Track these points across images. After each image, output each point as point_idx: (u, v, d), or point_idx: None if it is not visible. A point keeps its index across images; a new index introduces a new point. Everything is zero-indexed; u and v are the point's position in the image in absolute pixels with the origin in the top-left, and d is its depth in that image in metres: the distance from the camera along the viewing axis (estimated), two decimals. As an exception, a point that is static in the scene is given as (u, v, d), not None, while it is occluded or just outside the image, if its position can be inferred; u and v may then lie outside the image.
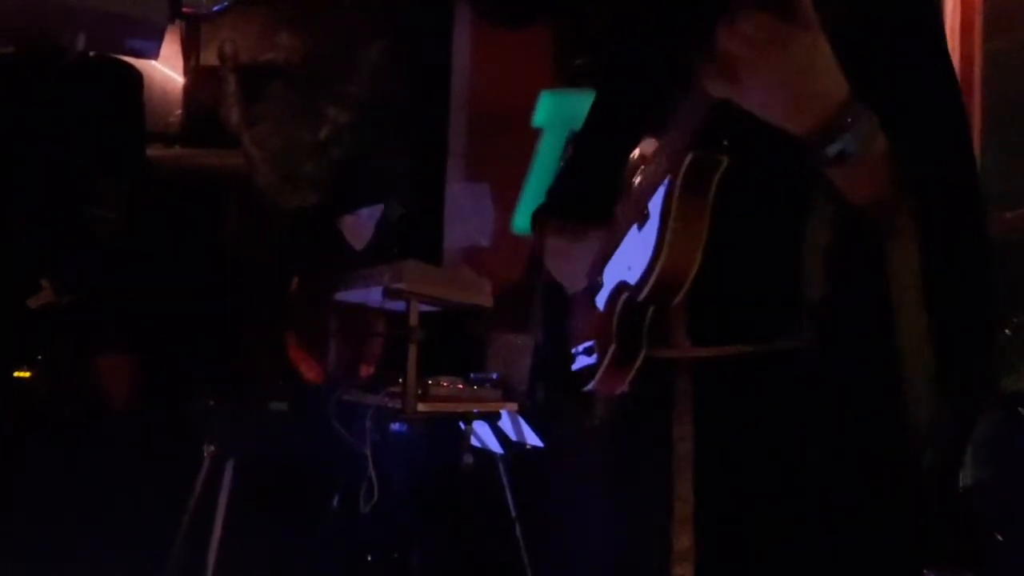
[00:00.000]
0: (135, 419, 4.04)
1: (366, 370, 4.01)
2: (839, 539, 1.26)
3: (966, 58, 3.38)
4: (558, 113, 4.45)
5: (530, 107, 4.64)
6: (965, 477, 2.68)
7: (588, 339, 1.42)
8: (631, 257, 1.32)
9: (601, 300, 1.39)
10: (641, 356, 1.31)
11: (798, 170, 1.20)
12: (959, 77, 3.59)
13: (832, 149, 1.10)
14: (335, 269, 3.68)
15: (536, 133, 4.52)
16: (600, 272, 1.42)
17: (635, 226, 1.33)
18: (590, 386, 1.37)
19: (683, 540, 1.33)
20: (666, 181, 1.25)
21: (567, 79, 4.75)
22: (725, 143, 1.22)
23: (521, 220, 4.37)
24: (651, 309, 1.29)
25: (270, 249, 4.49)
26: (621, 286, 1.33)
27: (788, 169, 1.22)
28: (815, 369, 1.26)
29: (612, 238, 1.40)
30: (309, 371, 3.98)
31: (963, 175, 1.23)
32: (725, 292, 1.31)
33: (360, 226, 4.21)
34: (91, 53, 3.99)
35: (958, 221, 1.20)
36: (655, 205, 1.27)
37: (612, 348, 1.32)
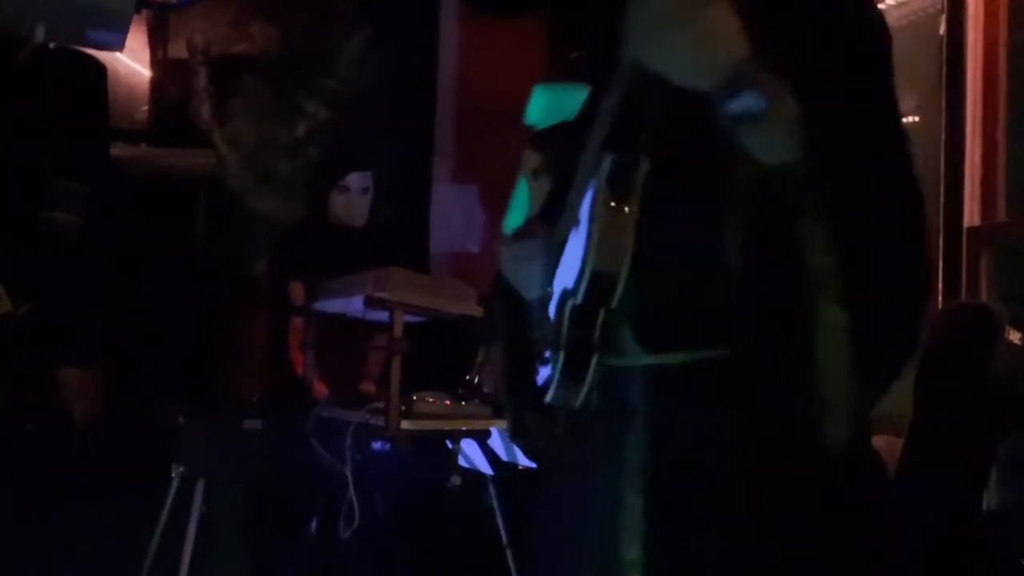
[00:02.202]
0: (99, 437, 4.02)
1: (368, 386, 4.00)
2: (788, 553, 1.32)
3: (990, 49, 3.39)
4: (553, 109, 4.43)
5: (523, 103, 4.62)
6: (989, 500, 2.67)
7: (547, 350, 1.49)
8: (571, 263, 1.41)
9: (552, 309, 1.47)
10: (592, 365, 1.38)
11: (721, 165, 1.32)
12: (983, 68, 3.57)
13: (736, 105, 1.24)
14: (329, 273, 3.67)
15: (529, 131, 4.50)
16: (550, 282, 1.49)
17: (574, 232, 1.42)
18: (547, 398, 1.43)
19: (631, 552, 1.39)
20: (592, 185, 1.36)
21: (563, 73, 4.74)
22: (644, 139, 1.34)
23: (512, 224, 4.37)
24: (601, 315, 1.36)
25: (244, 254, 4.48)
26: (566, 293, 1.40)
27: (712, 167, 1.33)
28: (751, 371, 1.34)
29: (559, 247, 1.48)
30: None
31: (875, 153, 1.32)
32: (665, 297, 1.39)
33: (353, 203, 4.23)
34: (51, 45, 3.96)
35: (867, 200, 1.29)
36: (584, 210, 1.37)
37: (561, 357, 1.38)
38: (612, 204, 1.33)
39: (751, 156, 1.28)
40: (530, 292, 1.59)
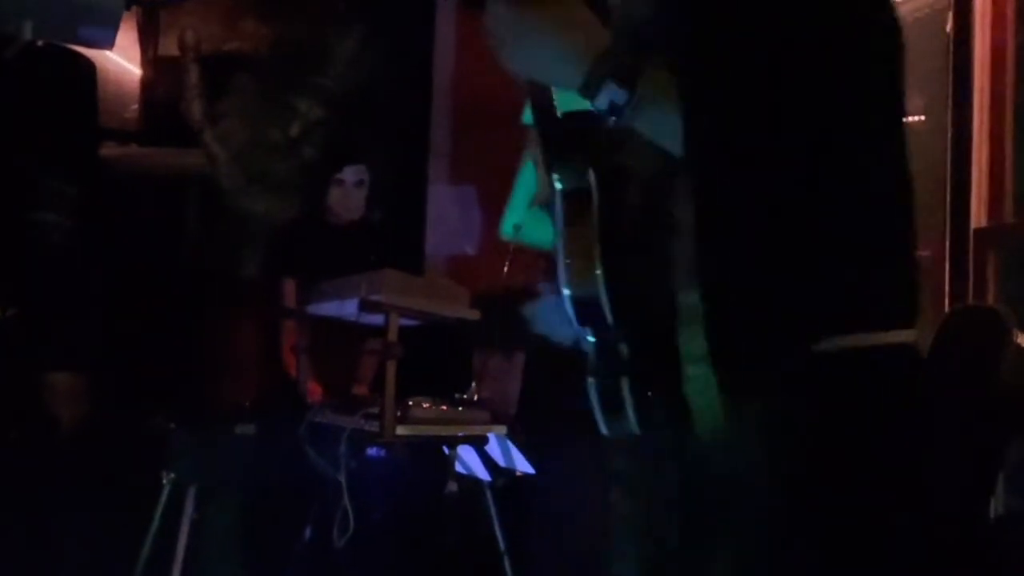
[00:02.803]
0: (87, 443, 4.00)
1: (359, 389, 4.00)
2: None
3: (997, 50, 3.39)
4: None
5: (520, 102, 4.62)
6: (997, 506, 2.67)
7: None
8: None
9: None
10: (625, 389, 1.32)
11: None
12: (991, 67, 3.55)
13: (601, 100, 1.22)
14: (323, 272, 3.67)
15: (526, 131, 4.50)
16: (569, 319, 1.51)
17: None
18: (602, 430, 1.39)
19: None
20: (557, 208, 1.36)
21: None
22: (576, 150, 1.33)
23: (509, 226, 4.37)
24: (620, 338, 1.33)
25: (236, 255, 4.47)
26: None
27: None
28: None
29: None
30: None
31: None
32: (657, 312, 1.37)
33: (349, 196, 4.30)
34: (39, 42, 3.95)
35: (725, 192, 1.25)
36: (559, 231, 1.37)
37: (592, 385, 1.36)
38: (570, 223, 1.32)
39: (655, 155, 1.26)
40: (564, 335, 1.54)
